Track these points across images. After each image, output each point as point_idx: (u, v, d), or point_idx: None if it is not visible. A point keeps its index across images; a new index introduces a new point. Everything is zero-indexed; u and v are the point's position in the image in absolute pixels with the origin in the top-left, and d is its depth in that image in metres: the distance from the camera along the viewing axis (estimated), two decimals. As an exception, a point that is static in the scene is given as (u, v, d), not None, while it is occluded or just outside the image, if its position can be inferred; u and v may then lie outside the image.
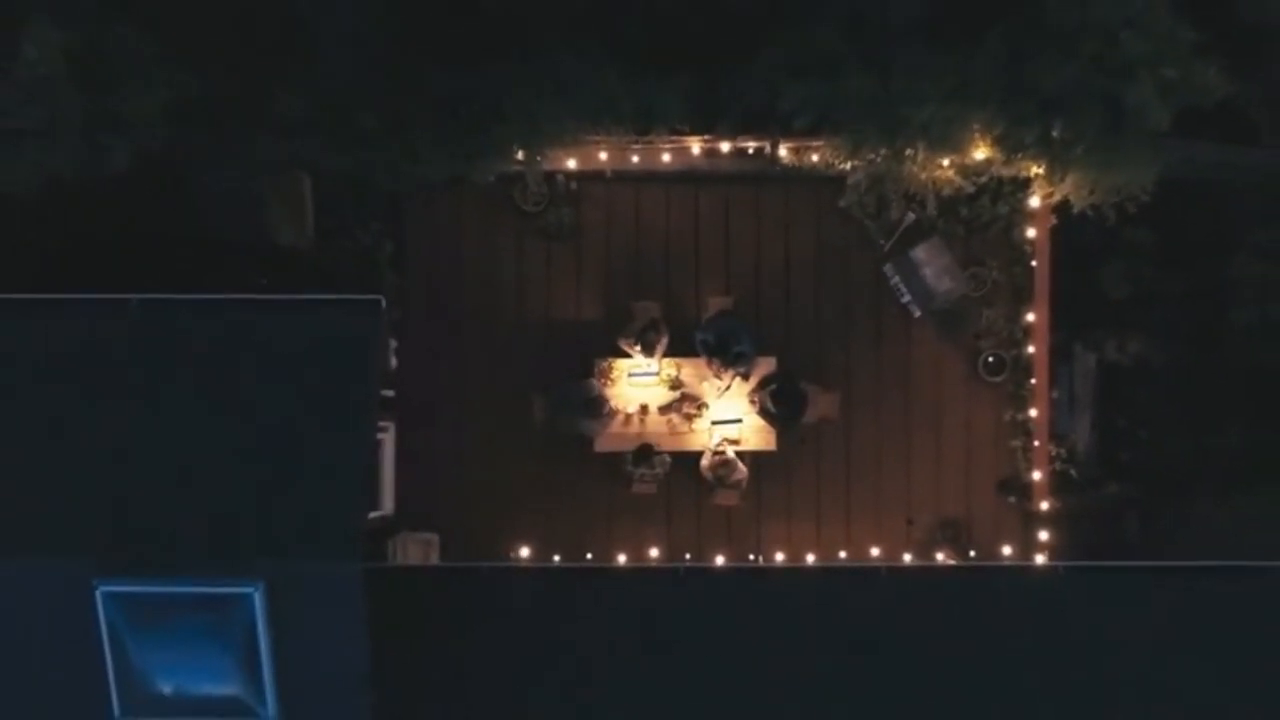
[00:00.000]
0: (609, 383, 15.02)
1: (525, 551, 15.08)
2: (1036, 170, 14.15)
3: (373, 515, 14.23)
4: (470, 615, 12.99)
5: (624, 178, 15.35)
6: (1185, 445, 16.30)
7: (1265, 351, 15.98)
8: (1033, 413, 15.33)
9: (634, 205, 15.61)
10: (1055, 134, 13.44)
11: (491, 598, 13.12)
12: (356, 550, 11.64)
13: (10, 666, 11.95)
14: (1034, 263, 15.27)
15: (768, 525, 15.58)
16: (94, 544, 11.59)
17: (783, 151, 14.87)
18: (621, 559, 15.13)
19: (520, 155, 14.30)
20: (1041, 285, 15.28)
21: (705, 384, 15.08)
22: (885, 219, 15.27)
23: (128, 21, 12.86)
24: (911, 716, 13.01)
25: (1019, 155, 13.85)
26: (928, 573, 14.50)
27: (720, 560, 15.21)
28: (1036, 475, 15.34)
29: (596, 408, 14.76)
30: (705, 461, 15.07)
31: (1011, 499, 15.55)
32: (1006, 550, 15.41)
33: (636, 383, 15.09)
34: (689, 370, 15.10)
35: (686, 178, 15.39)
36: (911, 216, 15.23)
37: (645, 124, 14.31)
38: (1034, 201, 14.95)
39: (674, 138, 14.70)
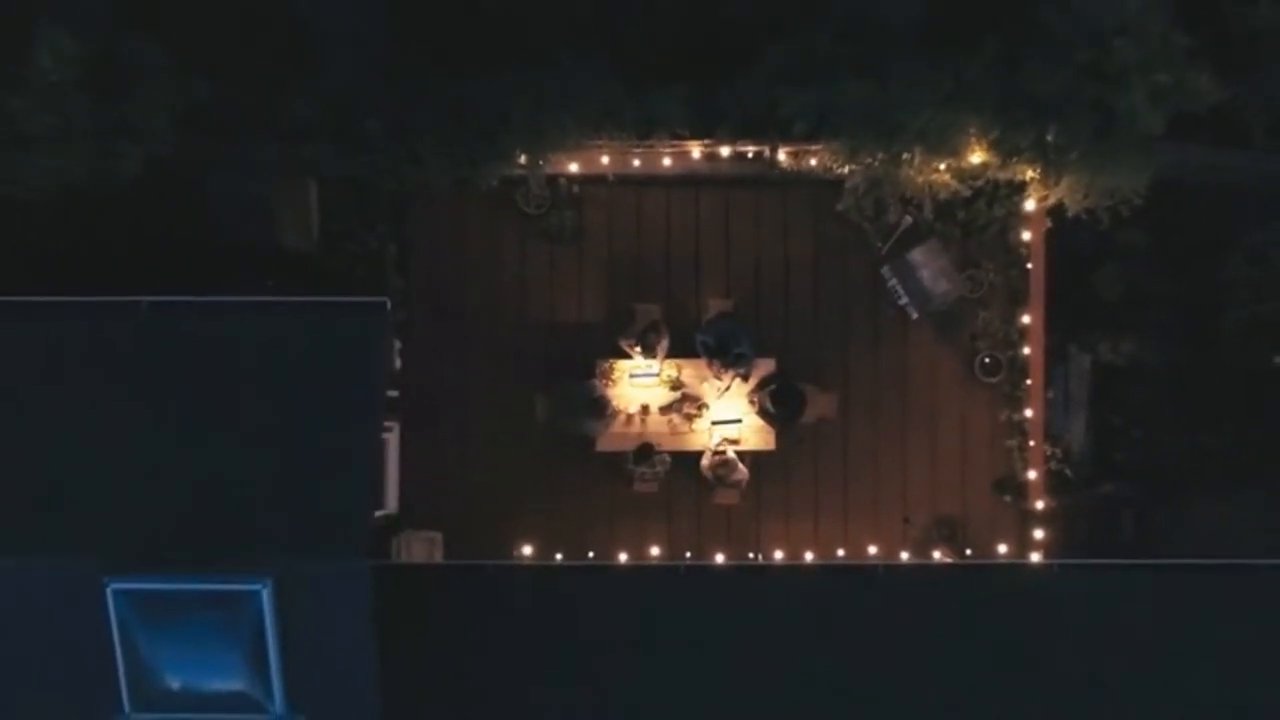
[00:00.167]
0: (610, 383, 15.10)
1: (528, 549, 15.13)
2: (1031, 174, 14.17)
3: (378, 514, 14.28)
4: (473, 612, 13.10)
5: (625, 181, 15.40)
6: (1179, 445, 16.28)
7: (1258, 352, 16.07)
8: (1028, 413, 15.38)
9: (635, 208, 15.68)
10: (1050, 138, 13.52)
11: (494, 595, 13.22)
12: (363, 548, 11.73)
13: (22, 662, 12.07)
14: (1029, 265, 15.33)
15: (767, 524, 15.64)
16: (105, 542, 11.69)
17: (782, 156, 14.91)
18: (623, 557, 15.21)
19: (523, 159, 14.36)
20: (1037, 287, 15.34)
21: (705, 385, 15.17)
22: (883, 222, 15.30)
23: (139, 30, 12.99)
24: (909, 712, 13.11)
25: (1014, 159, 13.92)
26: (924, 570, 14.59)
27: (720, 558, 15.28)
28: (1032, 474, 15.39)
29: (598, 408, 14.85)
30: (705, 461, 15.17)
31: (1007, 498, 15.60)
32: (1002, 548, 15.45)
33: (638, 383, 15.17)
34: (689, 371, 15.19)
35: (687, 181, 15.45)
36: (909, 220, 15.29)
37: (647, 129, 14.41)
38: (1029, 205, 15.01)
39: (675, 142, 14.74)
